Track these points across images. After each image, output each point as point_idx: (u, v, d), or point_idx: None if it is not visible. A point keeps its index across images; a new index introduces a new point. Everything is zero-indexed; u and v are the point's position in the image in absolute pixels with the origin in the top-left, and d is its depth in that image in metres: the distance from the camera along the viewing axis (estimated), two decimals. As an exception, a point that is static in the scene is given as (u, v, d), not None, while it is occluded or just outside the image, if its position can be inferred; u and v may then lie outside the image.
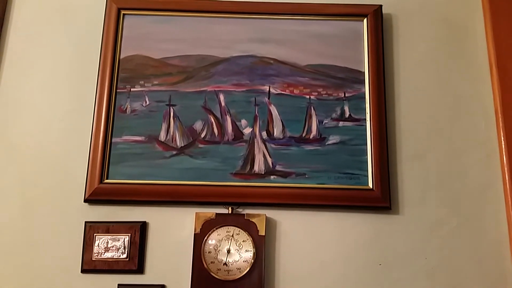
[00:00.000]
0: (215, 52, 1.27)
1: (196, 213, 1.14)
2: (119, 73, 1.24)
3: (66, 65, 1.27)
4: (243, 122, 1.22)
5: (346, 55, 1.27)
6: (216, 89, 1.24)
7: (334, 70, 1.26)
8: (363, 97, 1.24)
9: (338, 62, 1.27)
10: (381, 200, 1.15)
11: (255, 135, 1.21)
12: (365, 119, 1.22)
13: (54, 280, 1.12)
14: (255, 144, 1.21)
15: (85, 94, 1.24)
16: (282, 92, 1.25)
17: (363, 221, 1.17)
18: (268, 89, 1.25)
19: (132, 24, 1.28)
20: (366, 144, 1.20)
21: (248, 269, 1.09)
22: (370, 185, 1.16)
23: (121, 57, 1.25)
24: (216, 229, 1.12)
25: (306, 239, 1.16)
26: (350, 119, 1.23)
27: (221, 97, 1.24)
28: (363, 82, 1.25)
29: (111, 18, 1.27)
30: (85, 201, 1.15)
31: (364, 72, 1.26)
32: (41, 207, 1.17)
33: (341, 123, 1.23)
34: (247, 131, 1.22)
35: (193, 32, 1.28)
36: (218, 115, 1.23)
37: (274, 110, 1.23)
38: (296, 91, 1.25)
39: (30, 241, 1.15)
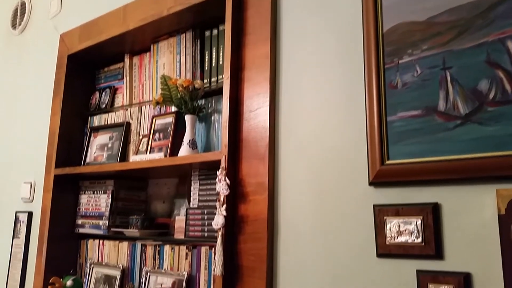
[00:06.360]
0: (493, -9, 1.02)
1: (497, 190, 0.95)
2: (384, 48, 1.17)
3: (333, 56, 1.29)
4: (547, 69, 0.93)
5: None
6: (500, 36, 0.99)
7: None
8: None
9: None
10: None
11: None
12: None
13: (352, 264, 1.15)
14: None
15: (354, 78, 1.23)
16: None
17: None
18: None
19: (390, -8, 1.18)
20: None
21: None
22: None
23: (384, 30, 1.17)
24: (528, 208, 0.90)
25: None
26: None
27: (510, 44, 0.98)
28: None
29: (367, -7, 1.21)
30: (370, 184, 1.14)
31: None
32: (331, 194, 1.22)
33: None
34: (555, 79, 0.92)
35: (458, -24, 1.07)
36: (509, 67, 0.97)
37: None
38: None
39: (326, 228, 1.22)
